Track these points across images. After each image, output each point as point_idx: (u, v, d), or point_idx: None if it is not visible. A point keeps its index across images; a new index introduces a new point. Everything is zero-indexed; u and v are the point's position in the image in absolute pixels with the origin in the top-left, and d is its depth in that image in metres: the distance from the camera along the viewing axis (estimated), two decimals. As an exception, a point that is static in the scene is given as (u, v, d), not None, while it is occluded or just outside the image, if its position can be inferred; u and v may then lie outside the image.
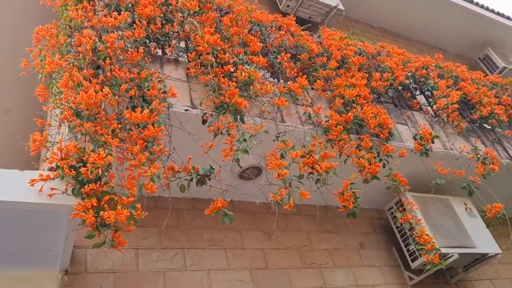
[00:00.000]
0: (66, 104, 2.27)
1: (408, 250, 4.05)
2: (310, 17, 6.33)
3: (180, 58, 3.22)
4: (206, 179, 2.66)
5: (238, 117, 2.91)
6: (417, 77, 4.62)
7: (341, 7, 6.33)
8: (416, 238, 3.27)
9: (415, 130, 4.10)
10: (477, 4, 7.93)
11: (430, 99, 4.59)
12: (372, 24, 7.94)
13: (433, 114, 4.49)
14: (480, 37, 8.49)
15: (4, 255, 2.59)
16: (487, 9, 8.06)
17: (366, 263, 4.17)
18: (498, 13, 8.21)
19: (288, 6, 6.15)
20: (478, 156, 4.25)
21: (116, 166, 2.33)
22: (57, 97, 2.39)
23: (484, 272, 4.78)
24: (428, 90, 4.56)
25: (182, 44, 3.40)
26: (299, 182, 2.82)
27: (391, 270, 4.26)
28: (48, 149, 2.31)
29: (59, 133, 2.41)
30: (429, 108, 4.57)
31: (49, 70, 2.34)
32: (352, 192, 3.05)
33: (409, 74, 4.52)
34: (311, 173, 2.94)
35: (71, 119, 2.26)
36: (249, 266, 3.57)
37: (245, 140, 2.79)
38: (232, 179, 3.57)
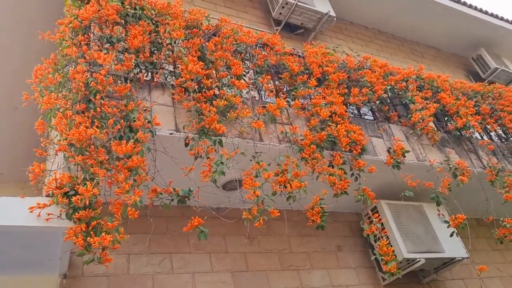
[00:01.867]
0: (61, 137, 2.62)
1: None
2: (302, 23, 6.58)
3: (168, 82, 3.54)
4: (186, 199, 3.01)
5: (217, 140, 3.24)
6: (396, 90, 4.88)
7: (332, 13, 6.55)
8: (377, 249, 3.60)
9: (389, 143, 4.39)
10: (470, 6, 8.07)
11: (408, 111, 4.85)
12: (366, 25, 8.13)
13: (410, 126, 4.76)
14: (474, 37, 8.65)
15: (10, 263, 2.98)
16: (480, 10, 8.19)
17: (342, 265, 4.53)
18: (491, 14, 8.34)
19: (280, 13, 6.39)
20: (450, 167, 4.55)
21: (104, 192, 2.69)
22: (53, 129, 2.73)
23: (456, 272, 5.12)
24: (406, 103, 4.82)
25: (171, 67, 3.72)
26: (270, 200, 3.16)
27: (366, 271, 4.61)
28: (46, 175, 2.67)
29: (53, 162, 2.75)
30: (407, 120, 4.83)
31: (46, 108, 2.68)
32: (321, 207, 3.38)
33: (388, 87, 4.78)
34: (282, 191, 3.27)
35: (65, 150, 2.61)
36: (231, 269, 3.94)
37: (222, 163, 3.12)
38: (217, 190, 3.92)
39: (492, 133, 5.56)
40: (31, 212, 2.43)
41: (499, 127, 5.52)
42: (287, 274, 4.17)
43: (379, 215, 4.23)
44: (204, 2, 6.23)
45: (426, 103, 4.84)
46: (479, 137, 5.48)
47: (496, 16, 8.41)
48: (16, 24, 5.16)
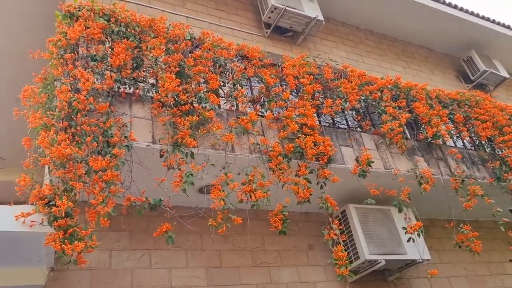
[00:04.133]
0: (44, 153, 2.98)
1: (347, 254, 4.76)
2: (291, 27, 6.82)
3: (148, 97, 3.86)
4: (157, 207, 3.38)
5: (189, 153, 3.58)
6: (369, 100, 5.15)
7: (320, 17, 6.78)
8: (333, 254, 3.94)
9: (358, 152, 4.70)
10: (461, 9, 8.21)
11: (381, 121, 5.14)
12: (358, 26, 8.31)
13: (381, 135, 5.05)
14: (465, 39, 8.79)
15: (3, 257, 3.39)
16: (471, 13, 8.32)
17: (312, 263, 4.90)
18: (483, 17, 8.47)
19: (270, 17, 6.63)
20: (417, 175, 4.86)
21: (83, 199, 3.07)
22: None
23: (422, 271, 5.45)
24: (378, 113, 5.10)
25: (153, 80, 4.04)
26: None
27: (334, 269, 4.95)
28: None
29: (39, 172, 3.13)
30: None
31: (32, 126, 3.04)
32: (283, 214, 3.74)
33: (363, 97, 5.06)
34: (247, 200, 3.62)
35: (48, 164, 2.98)
36: (205, 265, 4.33)
37: (191, 174, 3.47)
38: (195, 193, 4.28)
39: (466, 141, 5.82)
40: (16, 219, 2.81)
41: (473, 135, 5.78)
42: (258, 271, 4.56)
43: (340, 221, 4.58)
44: (197, 5, 6.49)
45: (399, 113, 5.11)
46: (453, 145, 5.75)
47: (488, 19, 8.54)
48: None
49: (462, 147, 5.82)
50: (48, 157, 2.95)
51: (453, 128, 5.53)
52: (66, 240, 2.71)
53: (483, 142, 5.86)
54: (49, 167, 3.05)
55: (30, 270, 3.61)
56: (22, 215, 2.80)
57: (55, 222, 2.80)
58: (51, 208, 2.82)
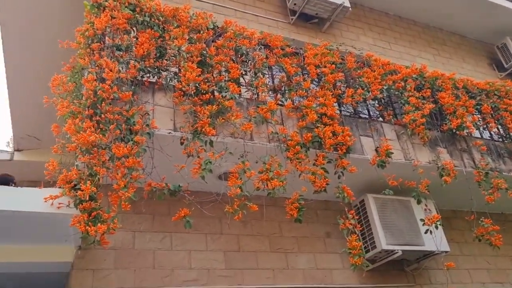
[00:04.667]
0: (71, 139, 3.16)
1: (364, 243, 4.82)
2: (317, 13, 6.78)
3: (170, 85, 3.98)
4: (176, 193, 3.53)
5: (208, 141, 3.70)
6: (392, 90, 5.09)
7: (347, 4, 6.70)
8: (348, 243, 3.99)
9: (378, 143, 4.69)
10: (496, -6, 7.90)
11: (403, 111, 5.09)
12: (386, 11, 8.14)
13: (403, 125, 5.01)
14: (500, 25, 8.48)
15: (34, 236, 3.64)
16: (508, -2, 8.00)
17: (329, 250, 4.98)
18: (519, 3, 8.12)
19: (295, 4, 6.61)
20: (438, 166, 4.81)
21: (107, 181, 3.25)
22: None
23: (442, 262, 5.44)
24: (401, 103, 5.05)
25: (176, 68, 4.16)
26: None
27: (350, 257, 5.03)
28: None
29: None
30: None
31: (61, 114, 3.22)
32: (299, 203, 3.82)
33: (385, 87, 5.02)
34: (264, 188, 3.72)
35: (74, 150, 3.17)
36: (223, 249, 4.49)
37: (210, 162, 3.59)
38: (215, 180, 4.41)
39: (493, 132, 5.69)
40: (45, 201, 3.02)
41: (501, 127, 5.64)
42: (275, 256, 4.68)
43: (359, 210, 4.63)
44: (223, -9, 6.54)
45: (422, 103, 5.04)
46: (479, 136, 5.63)
47: (525, 5, 8.18)
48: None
49: (489, 138, 5.69)
50: (75, 143, 3.12)
51: (480, 119, 5.40)
52: (90, 222, 2.89)
53: (511, 133, 5.70)
54: (75, 153, 3.23)
55: (60, 248, 3.86)
56: (50, 197, 3.00)
57: (80, 205, 2.98)
58: (77, 192, 3.01)
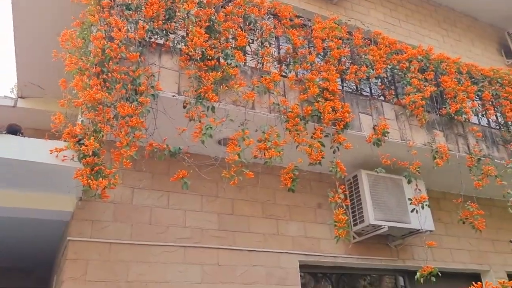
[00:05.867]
0: (78, 95, 3.26)
1: (353, 216, 5.01)
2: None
3: (177, 48, 4.03)
4: (177, 153, 3.66)
5: (210, 107, 3.80)
6: (396, 70, 5.14)
7: (361, -24, 6.60)
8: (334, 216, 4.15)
9: (377, 121, 4.78)
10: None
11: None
12: (401, -13, 8.02)
13: (403, 106, 5.09)
14: (514, 10, 8.36)
15: (39, 183, 3.80)
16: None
17: (319, 220, 5.17)
18: (536, -11, 7.98)
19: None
20: (432, 149, 4.93)
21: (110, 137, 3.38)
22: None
23: (426, 239, 5.65)
24: (403, 84, 5.10)
25: (183, 32, 4.19)
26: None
27: (339, 228, 5.23)
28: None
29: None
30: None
31: (69, 69, 3.30)
32: (293, 174, 3.95)
33: (389, 67, 5.06)
34: (261, 157, 3.85)
35: (80, 105, 3.27)
36: (218, 211, 4.67)
37: (211, 127, 3.70)
38: (214, 145, 4.53)
39: (491, 120, 5.77)
40: (51, 153, 3.15)
41: (500, 115, 5.71)
42: (267, 222, 4.87)
43: (352, 184, 4.81)
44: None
45: (424, 86, 5.10)
46: (477, 122, 5.72)
47: (542, -8, 8.04)
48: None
49: (486, 125, 5.78)
50: (81, 99, 3.22)
51: (479, 106, 5.47)
52: (92, 176, 3.03)
53: (509, 122, 5.78)
54: (81, 109, 3.34)
55: (62, 198, 4.01)
56: (56, 150, 3.13)
57: (84, 159, 3.12)
58: (81, 146, 3.13)
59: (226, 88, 3.87)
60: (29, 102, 7.11)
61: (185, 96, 3.85)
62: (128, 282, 3.94)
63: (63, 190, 3.83)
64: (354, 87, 5.02)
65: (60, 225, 4.33)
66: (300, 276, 4.78)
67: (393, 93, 5.14)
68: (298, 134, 4.08)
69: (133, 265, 4.03)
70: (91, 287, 3.79)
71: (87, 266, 3.86)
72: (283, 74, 4.49)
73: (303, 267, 4.89)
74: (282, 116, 4.22)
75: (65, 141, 3.24)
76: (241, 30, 4.30)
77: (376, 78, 5.00)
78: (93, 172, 3.11)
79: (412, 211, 4.56)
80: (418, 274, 4.11)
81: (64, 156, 3.18)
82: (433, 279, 4.06)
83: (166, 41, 3.96)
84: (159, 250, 4.20)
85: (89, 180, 3.01)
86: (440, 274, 4.15)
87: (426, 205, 4.43)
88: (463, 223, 4.84)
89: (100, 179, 3.05)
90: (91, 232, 4.02)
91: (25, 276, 6.49)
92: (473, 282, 3.56)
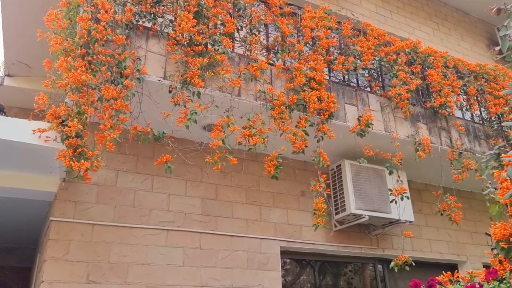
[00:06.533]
0: (62, 77, 3.25)
1: (335, 205, 5.10)
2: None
3: (165, 33, 4.02)
4: (160, 138, 3.68)
5: (195, 92, 3.81)
6: (383, 62, 5.18)
7: (354, -33, 6.59)
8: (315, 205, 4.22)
9: (362, 112, 4.84)
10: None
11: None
12: (394, -21, 8.02)
13: (388, 98, 5.14)
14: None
15: (22, 163, 3.80)
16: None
17: (301, 208, 5.25)
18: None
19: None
20: (416, 141, 5.01)
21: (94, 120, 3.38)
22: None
23: (406, 229, 5.78)
24: (390, 76, 5.15)
25: (172, 16, 4.17)
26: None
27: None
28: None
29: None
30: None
31: (53, 50, 3.28)
32: (277, 161, 4.00)
33: (377, 58, 5.10)
34: (245, 144, 3.88)
35: (64, 87, 3.26)
36: (202, 196, 4.72)
37: (195, 113, 3.72)
38: (198, 129, 4.55)
39: (475, 114, 5.86)
40: (33, 133, 3.15)
41: (483, 110, 5.80)
42: (250, 208, 4.94)
43: (335, 174, 4.87)
44: None
45: (410, 78, 5.15)
46: (461, 116, 5.81)
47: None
48: None
49: (469, 120, 5.87)
50: (65, 81, 3.22)
51: (463, 101, 5.55)
52: (74, 158, 3.05)
53: (492, 118, 5.88)
54: (65, 90, 3.33)
55: (45, 178, 4.03)
56: (38, 130, 3.13)
57: (67, 140, 3.13)
58: (64, 128, 3.14)
59: (213, 74, 3.88)
60: (16, 81, 7.04)
61: (171, 80, 3.85)
62: (110, 263, 3.99)
63: (46, 170, 3.84)
64: (341, 77, 5.06)
65: (43, 205, 4.35)
66: (284, 262, 4.87)
67: (380, 85, 5.19)
68: (283, 122, 4.12)
69: (115, 247, 4.07)
70: (73, 267, 3.84)
71: (69, 246, 3.90)
72: (271, 62, 4.50)
73: (285, 253, 4.98)
74: (268, 104, 4.25)
75: (48, 121, 3.24)
76: (230, 16, 4.29)
77: (363, 69, 5.04)
78: (75, 153, 3.12)
79: (391, 201, 4.65)
80: (392, 263, 4.22)
81: (47, 137, 3.18)
82: (407, 268, 4.17)
83: (154, 24, 3.94)
84: (141, 233, 4.25)
85: (71, 162, 3.03)
86: (414, 264, 4.26)
87: (405, 196, 4.52)
88: (441, 214, 4.95)
89: (83, 161, 3.06)
90: (74, 213, 4.05)
91: (7, 254, 6.51)
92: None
